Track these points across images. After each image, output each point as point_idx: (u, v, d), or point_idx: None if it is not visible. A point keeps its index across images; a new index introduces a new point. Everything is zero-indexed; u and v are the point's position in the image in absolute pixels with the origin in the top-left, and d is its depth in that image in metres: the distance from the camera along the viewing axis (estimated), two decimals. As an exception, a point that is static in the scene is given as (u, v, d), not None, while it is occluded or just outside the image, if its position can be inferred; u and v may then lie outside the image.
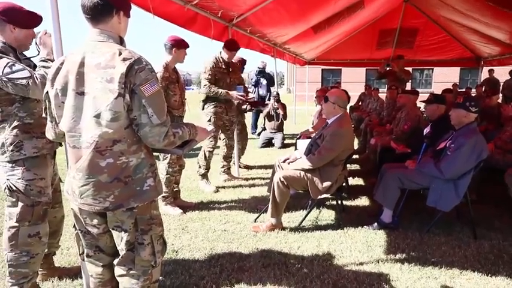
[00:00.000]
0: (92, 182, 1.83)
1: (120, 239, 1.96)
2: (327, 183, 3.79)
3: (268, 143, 8.89)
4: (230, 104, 5.36)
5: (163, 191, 2.08)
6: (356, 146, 8.11)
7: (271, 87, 10.25)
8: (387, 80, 8.95)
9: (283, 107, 8.93)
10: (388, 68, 8.99)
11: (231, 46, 5.14)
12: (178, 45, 4.14)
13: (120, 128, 1.79)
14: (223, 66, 5.15)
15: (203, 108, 5.20)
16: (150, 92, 1.77)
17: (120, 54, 1.76)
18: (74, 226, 2.07)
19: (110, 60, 1.75)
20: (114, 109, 1.74)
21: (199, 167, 5.31)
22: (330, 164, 3.82)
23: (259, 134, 9.58)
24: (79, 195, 1.88)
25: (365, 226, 3.99)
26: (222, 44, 5.23)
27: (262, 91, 10.06)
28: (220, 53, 5.18)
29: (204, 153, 5.26)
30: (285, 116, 8.95)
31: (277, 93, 9.19)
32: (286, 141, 9.44)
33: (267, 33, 7.28)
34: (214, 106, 5.16)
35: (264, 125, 9.41)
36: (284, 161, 4.25)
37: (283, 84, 43.98)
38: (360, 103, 12.77)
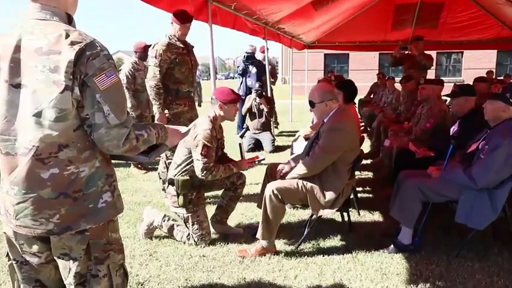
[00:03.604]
0: (31, 198, 1.80)
1: (68, 271, 1.93)
2: (330, 196, 3.79)
3: (257, 146, 8.90)
4: (192, 99, 5.42)
5: (122, 208, 2.05)
6: (367, 149, 8.14)
7: (262, 77, 10.27)
8: (403, 66, 9.00)
9: (268, 101, 8.96)
10: (405, 52, 9.04)
11: (184, 17, 4.98)
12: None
13: (68, 130, 1.77)
14: (181, 46, 5.11)
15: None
16: (107, 85, 1.75)
17: (67, 36, 1.74)
18: (7, 255, 2.04)
19: (55, 44, 1.72)
20: (60, 106, 1.72)
21: (163, 181, 5.30)
22: (332, 171, 3.82)
23: (242, 136, 9.59)
24: (14, 216, 1.84)
25: (379, 249, 3.99)
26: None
27: (251, 81, 10.06)
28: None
29: (165, 165, 5.25)
30: (270, 113, 8.99)
31: (260, 85, 9.22)
32: (280, 142, 9.45)
33: (256, 10, 7.28)
34: (177, 104, 5.18)
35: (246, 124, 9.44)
36: (277, 171, 4.24)
37: (277, 73, 44.17)
38: (372, 96, 12.82)
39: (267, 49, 10.26)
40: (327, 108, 3.93)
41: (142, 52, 6.97)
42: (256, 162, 4.43)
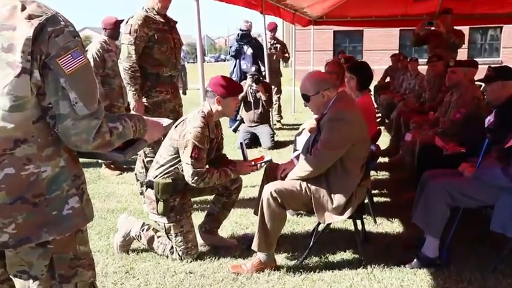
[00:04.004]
0: (-19, 204, 1.79)
1: (27, 291, 1.93)
2: (339, 200, 3.79)
3: (253, 142, 8.87)
4: (175, 85, 5.46)
5: (92, 216, 2.04)
6: (385, 145, 8.14)
7: (259, 60, 10.25)
8: (428, 46, 8.99)
9: (266, 88, 8.92)
10: (431, 28, 9.02)
11: None
12: None
13: (26, 122, 1.76)
14: (162, 20, 5.11)
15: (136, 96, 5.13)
16: (73, 68, 1.74)
17: (23, 8, 1.72)
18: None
19: (8, 18, 1.71)
20: (16, 93, 1.70)
21: (141, 184, 5.31)
22: (341, 170, 3.82)
23: (235, 130, 9.57)
24: (-39, 226, 1.83)
25: (399, 264, 4.00)
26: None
27: (246, 64, 10.05)
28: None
29: (144, 164, 5.26)
30: (268, 102, 8.96)
31: (257, 69, 9.20)
32: (281, 137, 9.44)
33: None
34: (157, 91, 5.17)
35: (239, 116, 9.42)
36: (277, 171, 4.24)
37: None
38: (388, 80, 12.80)
39: (263, 26, 10.24)
40: (324, 100, 3.90)
41: (113, 29, 6.90)
42: (263, 164, 4.32)
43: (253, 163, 4.25)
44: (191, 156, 3.85)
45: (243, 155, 4.41)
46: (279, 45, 11.17)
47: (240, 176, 4.40)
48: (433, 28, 8.94)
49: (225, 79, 4.08)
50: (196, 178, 3.89)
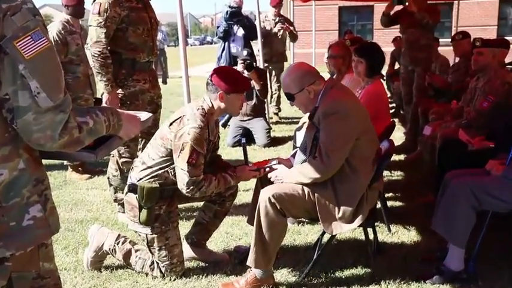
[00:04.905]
0: None
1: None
2: (348, 206, 3.78)
3: (246, 139, 8.81)
4: (154, 73, 5.48)
5: (58, 227, 2.03)
6: (400, 140, 8.15)
7: (251, 41, 10.25)
8: (400, 27, 8.99)
9: (260, 76, 8.86)
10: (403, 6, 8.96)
11: None
12: None
13: (-23, 117, 1.76)
14: None
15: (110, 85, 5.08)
16: (33, 52, 1.72)
17: (-28, -18, 1.71)
18: None
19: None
20: (-36, 82, 1.70)
21: (114, 189, 5.31)
22: (348, 170, 3.82)
23: (225, 125, 9.54)
24: None
25: (418, 279, 4.00)
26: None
27: (237, 48, 10.05)
28: None
29: (118, 165, 5.24)
30: (263, 92, 8.90)
31: (249, 53, 9.16)
32: (278, 132, 9.43)
33: None
34: (134, 80, 5.15)
35: None
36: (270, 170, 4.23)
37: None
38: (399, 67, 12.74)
39: (255, 2, 10.23)
40: (311, 96, 3.90)
41: (76, 5, 6.76)
42: (267, 169, 4.22)
43: (256, 168, 4.19)
44: (188, 162, 3.78)
45: (244, 157, 4.34)
46: (286, 23, 10.99)
47: None
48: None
49: (231, 71, 4.05)
50: (192, 187, 3.83)
